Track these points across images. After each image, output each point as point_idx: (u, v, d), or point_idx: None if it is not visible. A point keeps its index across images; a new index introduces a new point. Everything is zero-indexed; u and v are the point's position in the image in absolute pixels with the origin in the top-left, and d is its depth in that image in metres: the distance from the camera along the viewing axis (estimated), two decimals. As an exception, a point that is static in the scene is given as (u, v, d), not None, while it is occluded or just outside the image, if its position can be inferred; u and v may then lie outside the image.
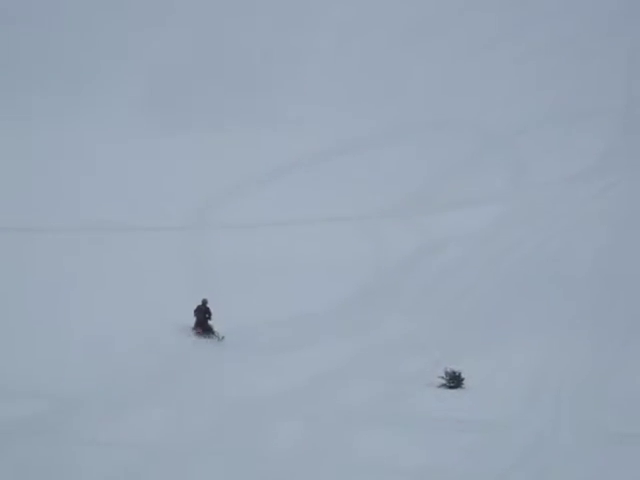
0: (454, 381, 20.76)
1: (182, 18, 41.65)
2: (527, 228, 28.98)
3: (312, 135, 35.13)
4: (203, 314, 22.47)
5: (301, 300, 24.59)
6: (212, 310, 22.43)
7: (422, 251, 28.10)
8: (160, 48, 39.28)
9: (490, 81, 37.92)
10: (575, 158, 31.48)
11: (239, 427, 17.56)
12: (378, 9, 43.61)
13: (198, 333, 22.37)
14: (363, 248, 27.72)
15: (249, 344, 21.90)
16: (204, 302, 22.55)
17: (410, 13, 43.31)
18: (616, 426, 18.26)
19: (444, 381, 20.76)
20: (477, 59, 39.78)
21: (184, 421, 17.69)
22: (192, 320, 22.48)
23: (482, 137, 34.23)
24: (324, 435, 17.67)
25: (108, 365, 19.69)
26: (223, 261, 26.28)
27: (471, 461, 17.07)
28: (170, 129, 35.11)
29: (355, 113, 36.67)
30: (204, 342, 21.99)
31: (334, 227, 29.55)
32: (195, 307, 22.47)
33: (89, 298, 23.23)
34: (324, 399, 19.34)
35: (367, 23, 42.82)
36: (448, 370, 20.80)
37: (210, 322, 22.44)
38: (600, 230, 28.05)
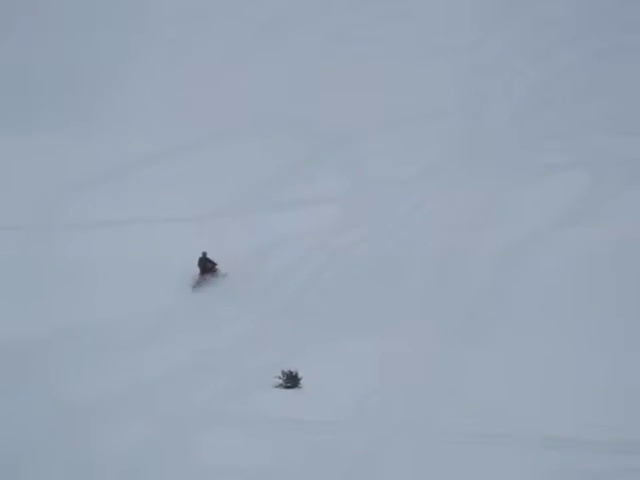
0: (291, 381, 20.90)
1: (20, 19, 41.76)
2: (364, 228, 29.56)
3: (149, 136, 35.41)
4: (205, 263, 27.31)
5: (133, 299, 24.46)
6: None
7: (261, 250, 28.52)
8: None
9: (327, 85, 38.56)
10: (414, 160, 32.23)
11: (76, 430, 16.93)
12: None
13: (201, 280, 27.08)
14: (201, 248, 27.61)
15: (87, 343, 21.31)
16: (204, 254, 27.36)
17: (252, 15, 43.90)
18: (449, 425, 18.67)
19: (281, 381, 20.79)
20: (317, 65, 40.46)
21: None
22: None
23: (320, 138, 34.65)
24: (163, 436, 17.34)
25: None
26: (55, 262, 25.70)
27: (310, 461, 17.23)
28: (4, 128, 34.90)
29: (195, 114, 37.02)
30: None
31: (173, 227, 29.67)
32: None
33: None
34: (165, 399, 19.10)
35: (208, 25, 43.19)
36: (285, 370, 20.87)
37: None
38: (436, 231, 28.85)
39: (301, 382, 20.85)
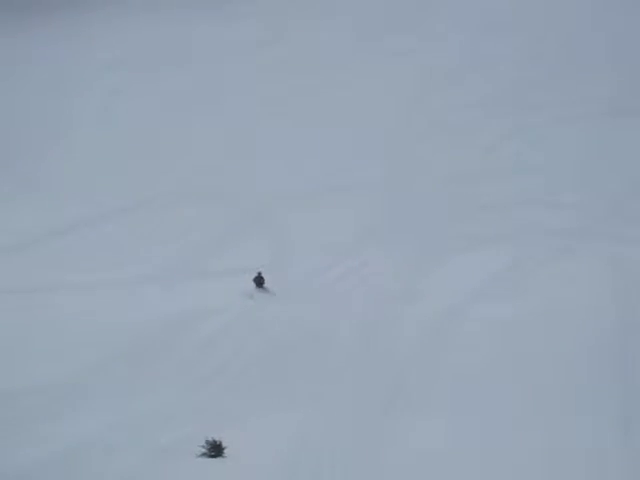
0: (215, 450, 20.73)
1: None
2: (290, 297, 29.71)
3: (74, 199, 35.73)
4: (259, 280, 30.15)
5: (50, 366, 24.43)
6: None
7: (184, 318, 28.48)
8: None
9: (259, 153, 39.28)
10: (340, 230, 32.75)
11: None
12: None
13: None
14: (123, 315, 27.56)
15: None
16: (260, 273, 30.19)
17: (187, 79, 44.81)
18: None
19: (205, 450, 20.65)
20: (250, 132, 41.19)
21: None
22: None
23: (249, 206, 35.07)
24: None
25: None
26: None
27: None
28: None
29: (129, 178, 37.11)
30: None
31: (96, 292, 29.59)
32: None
33: None
34: (79, 473, 18.78)
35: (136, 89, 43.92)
36: (209, 439, 20.75)
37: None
38: (362, 301, 29.23)
39: (225, 451, 20.77)
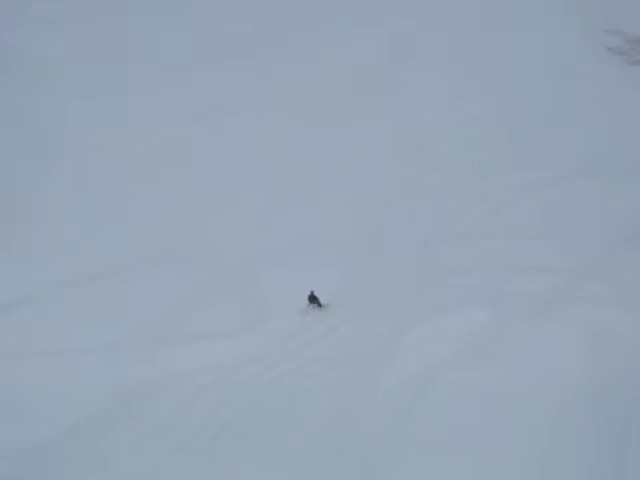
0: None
1: None
2: (265, 361, 30.01)
3: (44, 264, 35.91)
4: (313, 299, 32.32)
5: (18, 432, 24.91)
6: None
7: (156, 384, 28.80)
8: None
9: (227, 213, 39.69)
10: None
11: None
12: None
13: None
14: (95, 380, 27.75)
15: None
16: (312, 292, 32.40)
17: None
18: None
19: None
20: (219, 192, 41.67)
21: None
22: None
23: (221, 268, 35.35)
24: None
25: None
26: None
27: None
28: None
29: (92, 243, 37.44)
30: None
31: (67, 358, 29.82)
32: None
33: None
34: None
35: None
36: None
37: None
38: (338, 363, 29.40)
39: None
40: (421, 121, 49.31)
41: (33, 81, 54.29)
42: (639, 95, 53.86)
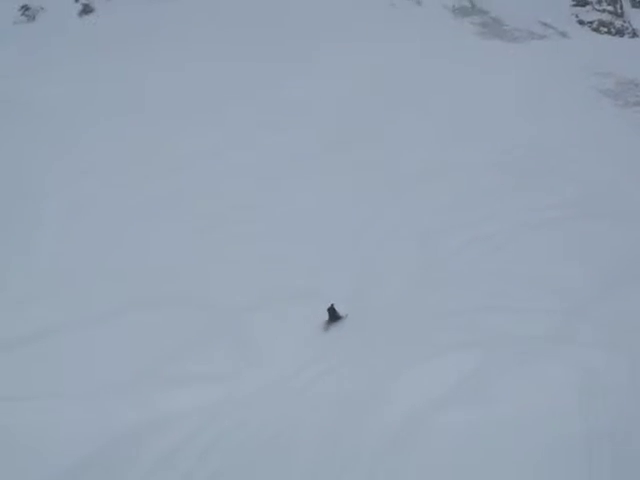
0: None
1: None
2: (250, 409, 30.07)
3: (34, 309, 35.49)
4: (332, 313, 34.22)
5: None
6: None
7: (147, 428, 28.81)
8: None
9: (220, 255, 39.87)
10: (303, 336, 33.14)
11: None
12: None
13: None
14: (86, 425, 27.81)
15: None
16: (332, 305, 34.37)
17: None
18: None
19: None
20: (212, 234, 41.92)
21: None
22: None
23: (208, 312, 35.39)
24: None
25: None
26: None
27: None
28: None
29: (83, 287, 37.48)
30: None
31: (57, 403, 29.61)
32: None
33: None
34: None
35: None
36: None
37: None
38: (326, 407, 29.49)
39: None
40: (412, 166, 49.79)
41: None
42: (630, 138, 54.73)
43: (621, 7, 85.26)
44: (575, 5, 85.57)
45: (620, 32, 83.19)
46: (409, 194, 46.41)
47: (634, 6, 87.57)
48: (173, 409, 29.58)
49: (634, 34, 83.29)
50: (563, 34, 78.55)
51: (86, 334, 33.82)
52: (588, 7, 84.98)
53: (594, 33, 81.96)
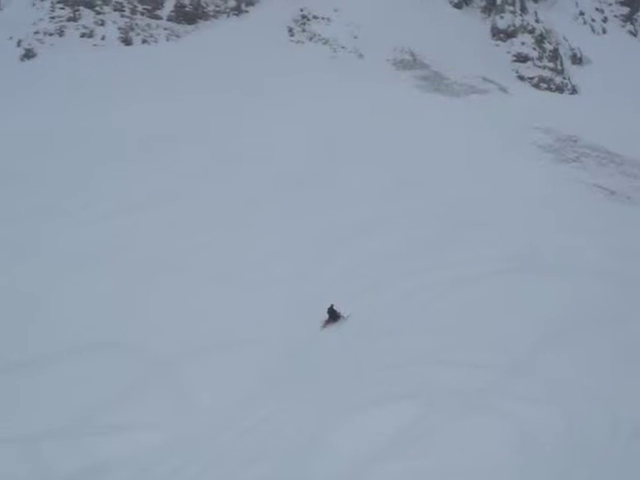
0: None
1: None
2: (187, 455, 30.12)
3: None
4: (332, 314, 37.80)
5: None
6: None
7: (84, 475, 28.27)
8: None
9: (157, 304, 39.90)
10: (239, 383, 33.16)
11: None
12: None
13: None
14: (22, 472, 27.39)
15: None
16: (332, 306, 38.01)
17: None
18: None
19: None
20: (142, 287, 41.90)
21: None
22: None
23: (145, 360, 35.40)
24: None
25: None
26: None
27: None
28: None
29: (21, 331, 37.23)
30: None
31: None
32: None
33: None
34: None
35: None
36: None
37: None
38: (265, 460, 29.51)
39: None
40: (348, 221, 50.12)
41: None
42: (567, 193, 56.19)
43: (561, 64, 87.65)
44: (516, 61, 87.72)
45: (560, 88, 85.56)
46: (349, 245, 46.90)
47: (574, 63, 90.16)
48: (109, 455, 29.53)
49: (574, 90, 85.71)
50: (503, 89, 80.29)
51: (16, 380, 33.57)
52: (529, 63, 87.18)
53: (534, 89, 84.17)
